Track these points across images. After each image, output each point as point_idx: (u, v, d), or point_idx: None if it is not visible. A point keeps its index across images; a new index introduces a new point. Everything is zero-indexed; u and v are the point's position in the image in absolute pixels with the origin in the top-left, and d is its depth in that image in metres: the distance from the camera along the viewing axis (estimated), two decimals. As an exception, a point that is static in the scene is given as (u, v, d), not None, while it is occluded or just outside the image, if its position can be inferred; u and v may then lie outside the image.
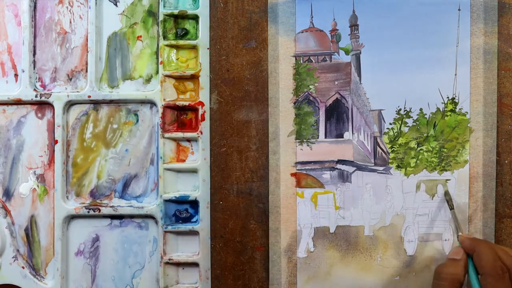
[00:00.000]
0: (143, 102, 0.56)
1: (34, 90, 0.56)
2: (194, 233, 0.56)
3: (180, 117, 0.57)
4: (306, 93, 0.55)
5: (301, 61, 0.55)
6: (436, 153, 0.55)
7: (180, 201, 0.56)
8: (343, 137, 0.55)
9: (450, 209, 0.52)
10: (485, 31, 0.54)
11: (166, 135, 0.55)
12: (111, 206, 0.56)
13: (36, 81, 0.57)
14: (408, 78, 0.54)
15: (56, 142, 0.56)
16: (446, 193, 0.53)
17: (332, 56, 0.55)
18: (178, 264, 0.56)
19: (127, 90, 0.56)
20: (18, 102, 0.56)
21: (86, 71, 0.56)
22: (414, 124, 0.55)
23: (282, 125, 0.55)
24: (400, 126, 0.55)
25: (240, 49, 0.55)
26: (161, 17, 0.56)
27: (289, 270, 0.55)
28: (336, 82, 0.55)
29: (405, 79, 0.54)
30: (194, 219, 0.56)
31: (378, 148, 0.55)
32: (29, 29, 0.56)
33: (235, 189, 0.55)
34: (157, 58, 0.56)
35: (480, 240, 0.47)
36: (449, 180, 0.54)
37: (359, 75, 0.55)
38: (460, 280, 0.45)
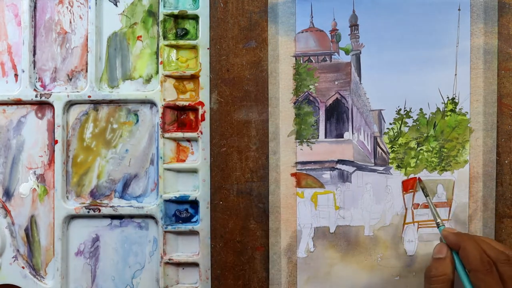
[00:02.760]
0: (143, 102, 0.56)
1: (34, 90, 0.56)
2: (194, 233, 0.56)
3: (180, 117, 0.57)
4: (306, 93, 0.55)
5: (301, 61, 0.55)
6: (436, 153, 0.55)
7: (180, 201, 0.56)
8: (343, 137, 0.55)
9: (426, 196, 0.52)
10: (485, 31, 0.54)
11: (166, 135, 0.55)
12: (111, 206, 0.56)
13: (36, 81, 0.57)
14: (408, 78, 0.54)
15: (56, 142, 0.56)
16: (420, 181, 0.54)
17: (332, 56, 0.55)
18: (178, 264, 0.56)
19: (127, 90, 0.56)
20: (18, 102, 0.56)
21: (86, 71, 0.56)
22: (414, 124, 0.55)
23: (282, 125, 0.55)
24: (400, 126, 0.55)
25: (240, 49, 0.55)
26: (161, 17, 0.56)
27: (289, 270, 0.55)
28: (336, 82, 0.55)
29: (405, 79, 0.54)
30: (194, 219, 0.56)
31: (378, 148, 0.55)
32: (29, 29, 0.56)
33: (235, 189, 0.55)
34: (157, 58, 0.56)
35: (463, 234, 0.47)
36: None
37: (359, 75, 0.55)
38: (451, 279, 0.45)
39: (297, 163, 0.55)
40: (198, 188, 0.56)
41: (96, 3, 0.56)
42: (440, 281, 0.45)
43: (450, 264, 0.46)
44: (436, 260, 0.47)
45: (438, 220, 0.50)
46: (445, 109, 0.54)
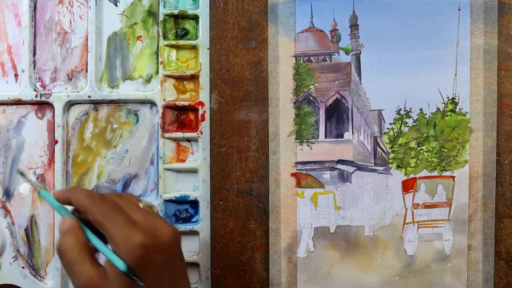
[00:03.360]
0: (143, 102, 0.56)
1: (34, 90, 0.56)
2: (194, 233, 0.56)
3: (180, 117, 0.57)
4: (306, 93, 0.55)
5: (301, 61, 0.55)
6: (436, 153, 0.55)
7: (180, 201, 0.56)
8: (343, 137, 0.55)
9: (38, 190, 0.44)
10: (485, 31, 0.54)
11: (166, 135, 0.55)
12: (111, 206, 0.56)
13: (36, 81, 0.57)
14: (408, 78, 0.54)
15: (56, 142, 0.56)
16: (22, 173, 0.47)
17: (332, 56, 0.55)
18: (178, 264, 0.56)
19: (127, 90, 0.56)
20: (18, 102, 0.56)
21: (86, 71, 0.56)
22: (414, 124, 0.55)
23: (282, 125, 0.55)
24: (400, 126, 0.55)
25: (240, 49, 0.55)
26: (161, 17, 0.56)
27: (289, 270, 0.55)
28: (336, 82, 0.55)
29: (405, 79, 0.54)
30: (194, 219, 0.56)
31: (378, 148, 0.55)
32: (29, 29, 0.56)
33: (235, 189, 0.55)
34: (157, 58, 0.56)
35: (71, 188, 0.44)
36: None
37: (359, 75, 0.55)
38: (79, 243, 0.39)
39: (297, 163, 0.55)
40: (198, 188, 0.56)
41: (96, 3, 0.56)
42: (70, 250, 0.39)
43: (76, 229, 0.40)
44: (63, 234, 0.40)
45: (44, 188, 0.45)
46: (445, 109, 0.54)
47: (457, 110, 0.54)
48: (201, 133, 0.55)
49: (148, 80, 0.56)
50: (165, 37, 0.56)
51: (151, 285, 0.39)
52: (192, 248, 0.56)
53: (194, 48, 0.56)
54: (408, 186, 0.55)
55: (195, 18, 0.56)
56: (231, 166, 0.55)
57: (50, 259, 0.57)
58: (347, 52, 0.55)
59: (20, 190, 0.57)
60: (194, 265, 0.56)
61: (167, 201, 0.55)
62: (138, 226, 0.39)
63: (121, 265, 0.38)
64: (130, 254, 0.38)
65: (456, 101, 0.54)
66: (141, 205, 0.43)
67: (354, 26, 0.55)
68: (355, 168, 0.55)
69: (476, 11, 0.54)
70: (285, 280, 0.55)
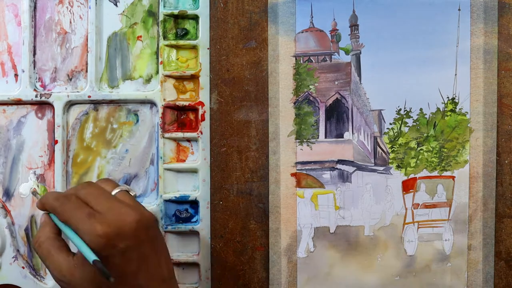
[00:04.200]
0: (143, 102, 0.56)
1: (34, 90, 0.56)
2: (194, 233, 0.56)
3: (180, 117, 0.57)
4: (306, 93, 0.55)
5: (301, 61, 0.55)
6: (436, 153, 0.55)
7: (180, 201, 0.56)
8: (343, 137, 0.55)
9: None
10: (485, 31, 0.54)
11: (166, 135, 0.55)
12: (111, 206, 0.56)
13: (36, 81, 0.57)
14: (408, 78, 0.54)
15: (56, 142, 0.56)
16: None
17: (332, 56, 0.55)
18: (178, 264, 0.56)
19: (127, 90, 0.56)
20: (18, 102, 0.56)
21: (86, 71, 0.56)
22: (414, 124, 0.55)
23: (282, 125, 0.55)
24: (400, 126, 0.55)
25: (240, 49, 0.55)
26: (161, 17, 0.56)
27: (289, 270, 0.55)
28: (336, 82, 0.55)
29: (405, 79, 0.54)
30: (194, 219, 0.56)
31: (378, 148, 0.55)
32: (29, 29, 0.56)
33: (235, 189, 0.55)
34: (157, 58, 0.56)
35: (45, 193, 0.48)
36: None
37: (359, 75, 0.55)
38: (51, 237, 0.44)
39: (297, 163, 0.55)
40: (198, 188, 0.56)
41: (96, 3, 0.56)
42: (45, 243, 0.43)
43: (48, 224, 0.44)
44: (39, 229, 0.45)
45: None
46: (445, 109, 0.55)
47: (457, 110, 0.54)
48: (201, 133, 0.55)
49: (148, 80, 0.56)
50: (165, 37, 0.56)
51: (121, 272, 0.40)
52: (192, 248, 0.56)
53: (194, 48, 0.56)
54: (408, 186, 0.55)
55: (195, 18, 0.56)
56: (231, 166, 0.55)
57: (50, 259, 0.57)
58: (347, 52, 0.55)
59: (20, 190, 0.57)
60: (194, 265, 0.56)
61: (167, 201, 0.55)
62: (99, 217, 0.41)
63: (90, 256, 0.39)
64: (93, 245, 0.39)
65: (456, 101, 0.54)
66: (115, 191, 0.45)
67: (354, 26, 0.55)
68: (355, 168, 0.55)
69: (476, 11, 0.54)
70: (285, 280, 0.55)
